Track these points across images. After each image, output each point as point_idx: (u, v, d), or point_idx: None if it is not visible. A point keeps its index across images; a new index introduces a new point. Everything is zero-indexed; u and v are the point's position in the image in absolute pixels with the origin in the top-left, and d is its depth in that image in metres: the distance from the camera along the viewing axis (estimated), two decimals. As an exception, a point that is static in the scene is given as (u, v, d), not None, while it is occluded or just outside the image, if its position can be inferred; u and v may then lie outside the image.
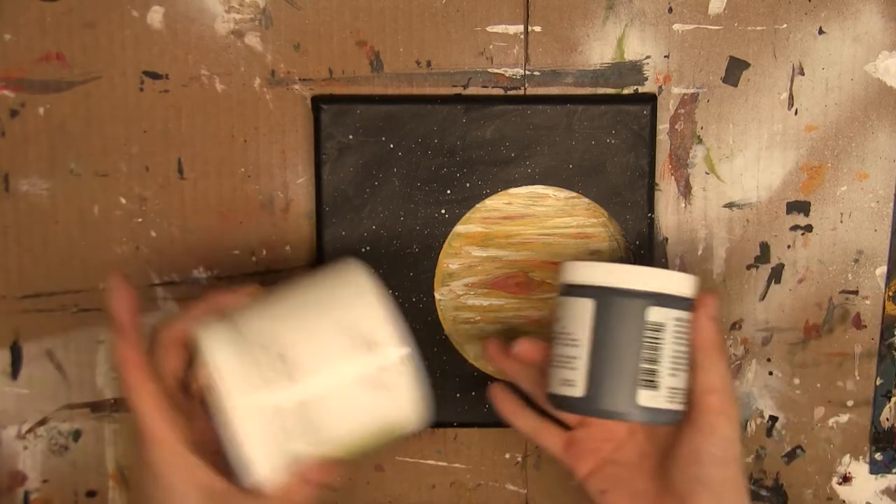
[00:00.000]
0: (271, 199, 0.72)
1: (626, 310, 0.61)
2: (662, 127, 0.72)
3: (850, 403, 0.75)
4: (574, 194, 0.71)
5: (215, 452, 0.59)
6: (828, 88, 0.71)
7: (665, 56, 0.71)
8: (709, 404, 0.62)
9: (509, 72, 0.71)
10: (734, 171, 0.72)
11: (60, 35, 0.70)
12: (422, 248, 0.72)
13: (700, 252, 0.73)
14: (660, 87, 0.71)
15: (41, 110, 0.71)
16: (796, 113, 0.72)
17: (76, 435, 0.74)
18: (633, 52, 0.71)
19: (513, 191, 0.71)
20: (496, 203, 0.71)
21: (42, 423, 0.74)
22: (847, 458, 0.76)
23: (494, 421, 0.73)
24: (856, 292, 0.74)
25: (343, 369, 0.57)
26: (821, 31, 0.71)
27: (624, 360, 0.61)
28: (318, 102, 0.70)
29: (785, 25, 0.71)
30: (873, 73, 0.71)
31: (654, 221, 0.72)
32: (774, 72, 0.71)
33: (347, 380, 0.57)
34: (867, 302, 0.74)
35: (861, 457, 0.76)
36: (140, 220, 0.72)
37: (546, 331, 0.68)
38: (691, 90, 0.71)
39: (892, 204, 0.73)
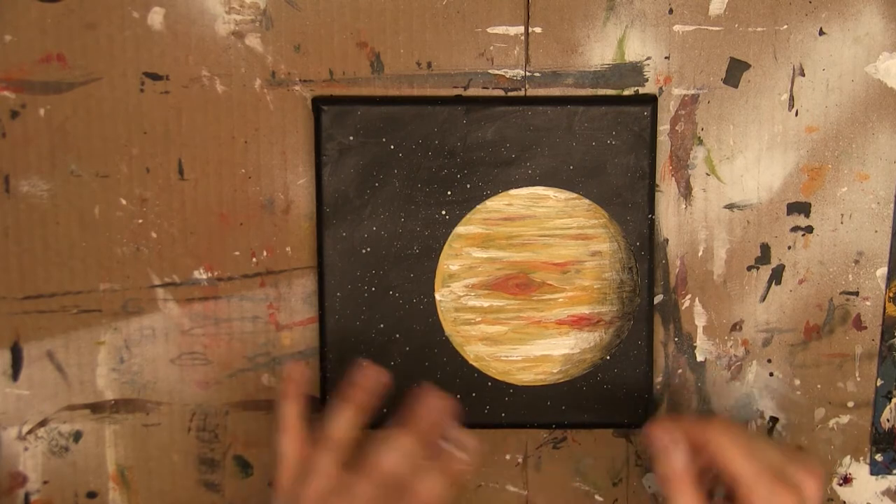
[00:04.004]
0: (272, 200, 0.72)
1: None
2: (663, 128, 0.72)
3: (850, 404, 0.75)
4: (575, 195, 0.71)
5: None
6: (828, 89, 0.71)
7: (665, 57, 0.71)
8: None
9: (510, 73, 0.71)
10: (735, 173, 0.72)
11: (61, 36, 0.70)
12: (422, 249, 0.72)
13: (700, 253, 0.73)
14: (660, 88, 0.71)
15: (41, 111, 0.71)
16: (797, 114, 0.72)
17: (77, 436, 0.74)
18: (633, 53, 0.71)
19: (513, 192, 0.71)
20: (497, 204, 0.71)
21: (42, 424, 0.74)
22: (847, 459, 0.76)
23: (495, 422, 0.73)
24: (856, 293, 0.74)
25: None
26: (821, 33, 0.71)
27: None
28: (318, 104, 0.70)
29: (785, 26, 0.71)
30: (874, 75, 0.71)
31: (654, 222, 0.72)
32: (775, 73, 0.71)
33: None
34: (868, 303, 0.74)
35: (861, 458, 0.76)
36: (140, 221, 0.72)
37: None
38: (692, 91, 0.71)
39: (892, 205, 0.73)
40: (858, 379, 0.75)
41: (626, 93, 0.71)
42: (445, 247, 0.72)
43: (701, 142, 0.72)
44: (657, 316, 0.73)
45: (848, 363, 0.75)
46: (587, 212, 0.72)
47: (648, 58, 0.71)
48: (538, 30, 0.71)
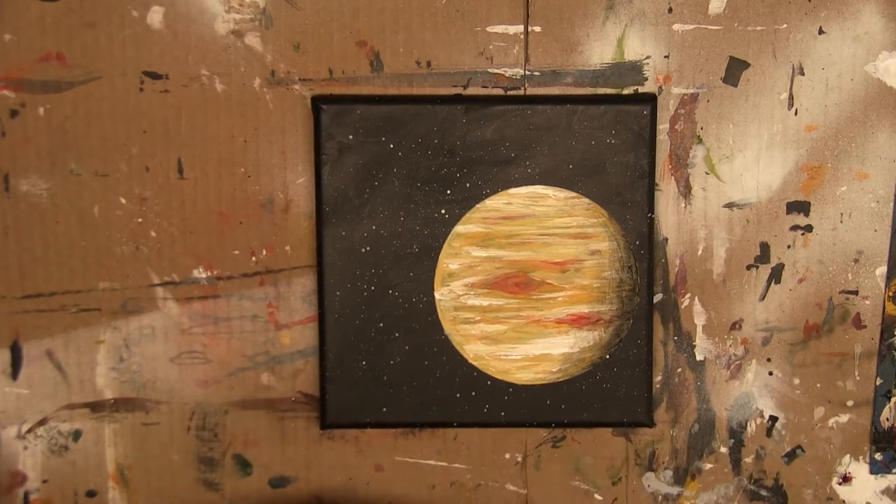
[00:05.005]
0: (271, 199, 0.72)
1: None
2: (662, 127, 0.72)
3: (850, 403, 0.75)
4: (574, 194, 0.71)
5: None
6: (828, 88, 0.71)
7: (665, 56, 0.71)
8: None
9: (509, 72, 0.71)
10: (734, 171, 0.72)
11: (60, 35, 0.70)
12: (422, 248, 0.72)
13: (700, 252, 0.73)
14: (660, 87, 0.71)
15: (41, 110, 0.71)
16: (796, 113, 0.72)
17: (76, 435, 0.74)
18: (633, 52, 0.71)
19: (513, 191, 0.71)
20: (496, 203, 0.71)
21: (42, 423, 0.74)
22: (847, 458, 0.76)
23: (494, 421, 0.73)
24: (856, 292, 0.74)
25: None
26: (821, 31, 0.71)
27: None
28: (318, 102, 0.70)
29: (785, 25, 0.71)
30: (873, 74, 0.71)
31: (654, 221, 0.72)
32: (774, 72, 0.71)
33: None
34: (867, 302, 0.74)
35: (861, 457, 0.76)
36: (140, 220, 0.72)
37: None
38: (691, 90, 0.71)
39: (892, 204, 0.73)
40: (858, 378, 0.75)
41: (625, 92, 0.71)
42: (445, 246, 0.72)
43: (700, 141, 0.72)
44: (656, 315, 0.73)
45: (847, 362, 0.75)
46: (587, 211, 0.72)
47: (648, 57, 0.71)
48: (538, 29, 0.71)
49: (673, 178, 0.72)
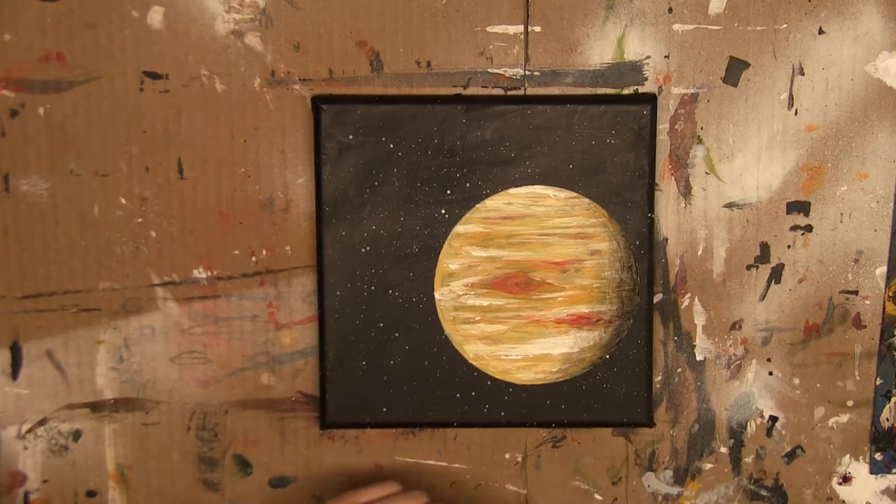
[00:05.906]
0: (271, 199, 0.72)
1: None
2: (662, 127, 0.72)
3: (850, 403, 0.75)
4: (574, 194, 0.71)
5: None
6: (828, 88, 0.71)
7: (665, 56, 0.71)
8: None
9: (509, 72, 0.71)
10: (734, 171, 0.72)
11: (60, 35, 0.70)
12: (422, 248, 0.72)
13: (700, 252, 0.73)
14: (660, 87, 0.71)
15: (41, 110, 0.71)
16: (796, 113, 0.72)
17: (76, 435, 0.74)
18: (633, 52, 0.71)
19: (513, 191, 0.71)
20: (496, 203, 0.71)
21: (42, 423, 0.74)
22: (847, 458, 0.76)
23: (494, 421, 0.73)
24: (856, 292, 0.74)
25: None
26: (821, 31, 0.71)
27: None
28: (318, 102, 0.70)
29: (785, 25, 0.71)
30: (873, 74, 0.71)
31: (654, 221, 0.72)
32: (774, 72, 0.71)
33: None
34: (867, 302, 0.74)
35: (861, 457, 0.76)
36: (140, 220, 0.72)
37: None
38: (691, 90, 0.71)
39: (892, 204, 0.73)
40: (858, 378, 0.75)
41: (625, 92, 0.71)
42: (445, 246, 0.72)
43: (700, 141, 0.72)
44: (656, 315, 0.73)
45: (847, 362, 0.75)
46: (587, 211, 0.72)
47: (648, 57, 0.71)
48: (538, 29, 0.71)
49: (673, 178, 0.72)
